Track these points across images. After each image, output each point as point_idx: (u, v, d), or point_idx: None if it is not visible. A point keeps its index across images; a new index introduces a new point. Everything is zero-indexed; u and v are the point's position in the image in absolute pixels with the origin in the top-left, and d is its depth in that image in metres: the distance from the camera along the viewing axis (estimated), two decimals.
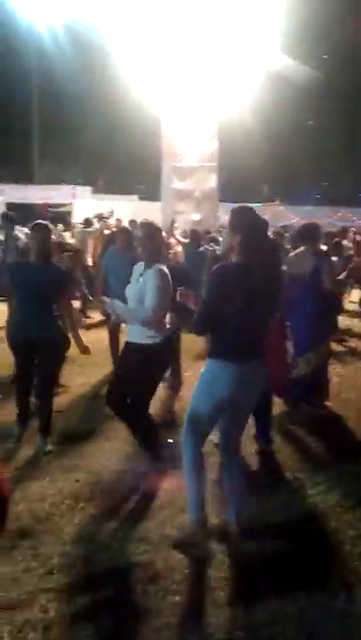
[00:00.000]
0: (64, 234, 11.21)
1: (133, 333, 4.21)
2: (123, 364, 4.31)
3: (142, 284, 4.12)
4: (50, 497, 3.91)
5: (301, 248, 5.64)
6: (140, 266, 4.28)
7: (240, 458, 3.64)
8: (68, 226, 11.01)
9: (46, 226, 4.79)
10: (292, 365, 5.22)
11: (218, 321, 3.27)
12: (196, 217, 13.26)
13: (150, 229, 4.28)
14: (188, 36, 13.28)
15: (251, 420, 4.70)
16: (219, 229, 13.67)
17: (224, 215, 19.03)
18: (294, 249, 8.60)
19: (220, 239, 12.54)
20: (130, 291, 4.25)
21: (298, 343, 5.30)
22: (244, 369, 3.27)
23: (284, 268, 5.67)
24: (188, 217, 13.48)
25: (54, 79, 27.84)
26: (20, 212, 17.58)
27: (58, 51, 25.66)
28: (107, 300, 4.33)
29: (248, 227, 3.28)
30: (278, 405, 5.24)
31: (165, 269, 4.15)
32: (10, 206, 20.78)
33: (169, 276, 4.15)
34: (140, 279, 4.17)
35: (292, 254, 5.92)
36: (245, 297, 3.16)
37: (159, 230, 4.39)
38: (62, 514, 3.73)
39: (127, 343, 4.29)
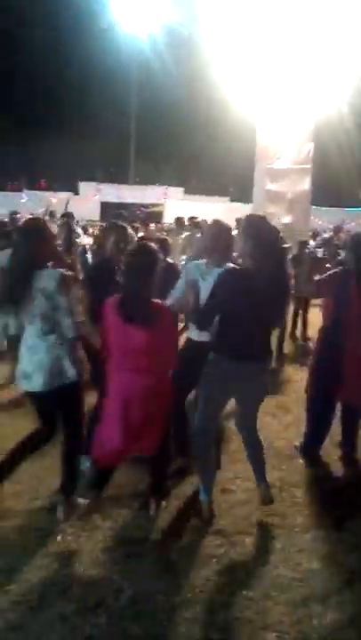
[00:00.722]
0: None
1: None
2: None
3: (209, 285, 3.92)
4: (132, 484, 4.01)
5: None
6: (198, 265, 4.13)
7: (255, 437, 3.84)
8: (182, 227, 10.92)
9: (119, 226, 4.67)
10: None
11: (225, 321, 3.49)
12: (287, 219, 13.07)
13: (216, 228, 4.19)
14: (285, 37, 13.14)
15: (336, 426, 4.63)
16: (312, 233, 13.50)
17: (316, 219, 18.76)
18: None
19: (312, 243, 12.35)
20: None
21: None
22: (241, 368, 3.48)
23: None
24: (280, 220, 13.33)
25: (152, 84, 28.48)
26: (117, 212, 18.12)
27: (156, 57, 26.20)
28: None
29: (259, 234, 3.46)
30: None
31: None
32: (105, 205, 21.55)
33: None
34: (208, 278, 3.96)
35: None
36: (251, 301, 3.37)
37: (227, 229, 4.22)
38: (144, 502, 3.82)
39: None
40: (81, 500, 3.69)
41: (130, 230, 4.66)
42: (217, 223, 4.25)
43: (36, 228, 3.56)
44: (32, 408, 3.79)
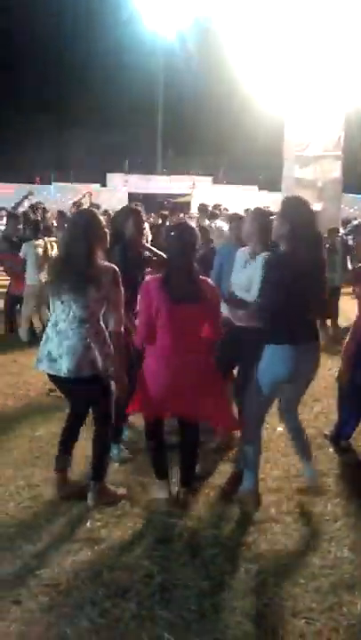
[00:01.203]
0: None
1: None
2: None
3: (251, 273, 4.04)
4: None
5: None
6: (243, 252, 4.23)
7: (298, 419, 3.92)
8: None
9: (135, 210, 4.72)
10: None
11: (276, 310, 3.43)
12: (318, 207, 12.86)
13: (258, 215, 4.23)
14: (313, 24, 12.92)
15: None
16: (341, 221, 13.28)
17: (347, 207, 18.47)
18: None
19: (342, 231, 12.16)
20: (237, 277, 4.22)
21: None
22: (300, 350, 3.45)
23: None
24: None
25: (179, 72, 28.33)
26: (144, 202, 18.14)
27: (182, 45, 26.01)
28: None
29: (297, 216, 3.43)
30: None
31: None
32: (133, 196, 21.55)
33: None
34: (248, 266, 4.12)
35: None
36: (292, 284, 3.33)
37: (269, 215, 4.28)
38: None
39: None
40: (111, 487, 3.73)
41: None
42: (259, 211, 4.30)
43: (93, 220, 3.59)
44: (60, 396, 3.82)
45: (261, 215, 4.27)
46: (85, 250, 3.44)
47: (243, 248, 4.30)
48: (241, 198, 19.75)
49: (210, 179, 25.26)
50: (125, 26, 25.34)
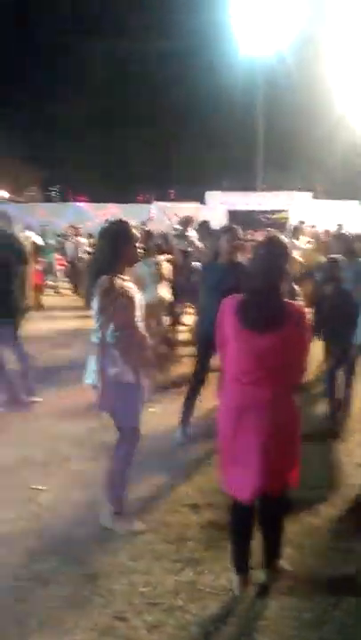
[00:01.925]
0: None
1: None
2: None
3: None
4: None
5: None
6: None
7: None
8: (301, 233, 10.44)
9: (232, 227, 4.88)
10: None
11: None
12: None
13: None
14: None
15: None
16: None
17: None
18: None
19: None
20: None
21: None
22: None
23: None
24: None
25: (278, 91, 28.33)
26: (243, 219, 18.22)
27: (281, 65, 26.02)
28: None
29: None
30: None
31: None
32: (232, 214, 21.68)
33: None
34: None
35: None
36: None
37: None
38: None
39: None
40: (133, 519, 3.72)
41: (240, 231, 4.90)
42: None
43: (113, 233, 3.53)
44: None
45: None
46: (98, 263, 3.48)
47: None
48: (341, 213, 19.29)
49: (309, 194, 24.90)
50: (225, 44, 25.80)
